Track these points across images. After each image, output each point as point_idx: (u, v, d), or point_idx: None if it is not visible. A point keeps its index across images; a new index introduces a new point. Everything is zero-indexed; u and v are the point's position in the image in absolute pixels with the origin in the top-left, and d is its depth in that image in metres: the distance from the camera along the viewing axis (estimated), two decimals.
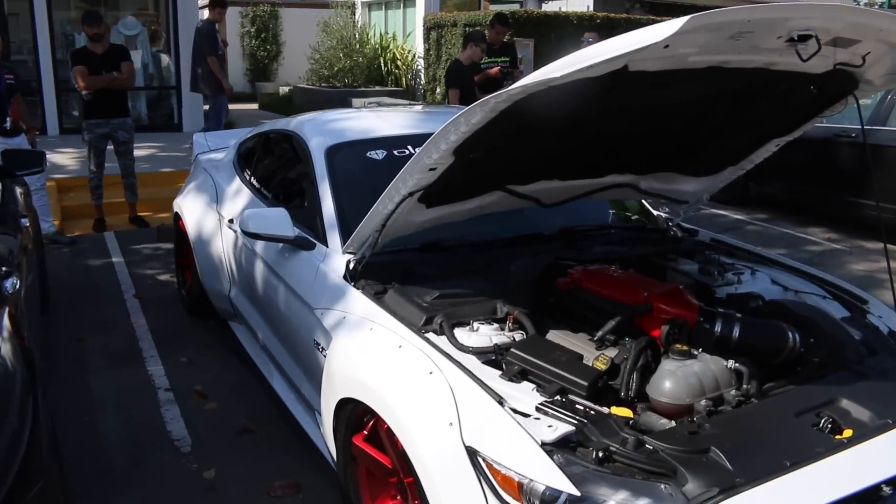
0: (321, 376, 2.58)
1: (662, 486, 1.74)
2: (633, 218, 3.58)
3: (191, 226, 4.47)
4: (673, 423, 1.99)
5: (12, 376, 2.07)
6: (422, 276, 2.68)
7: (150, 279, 5.48)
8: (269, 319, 3.46)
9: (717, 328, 2.30)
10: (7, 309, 2.29)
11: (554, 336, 2.49)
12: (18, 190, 3.95)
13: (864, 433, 1.93)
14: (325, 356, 2.59)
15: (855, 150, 6.57)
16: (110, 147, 6.51)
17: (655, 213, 3.49)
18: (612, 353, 2.30)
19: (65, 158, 8.46)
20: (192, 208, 4.55)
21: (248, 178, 4.15)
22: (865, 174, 6.34)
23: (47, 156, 8.74)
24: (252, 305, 3.72)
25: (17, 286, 2.38)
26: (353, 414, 2.41)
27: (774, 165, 6.88)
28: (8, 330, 2.27)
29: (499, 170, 2.59)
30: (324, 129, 3.59)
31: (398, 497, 2.32)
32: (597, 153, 2.68)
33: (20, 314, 2.41)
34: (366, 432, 2.40)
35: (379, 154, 3.30)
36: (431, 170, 2.30)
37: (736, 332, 2.28)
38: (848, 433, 1.93)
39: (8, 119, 5.78)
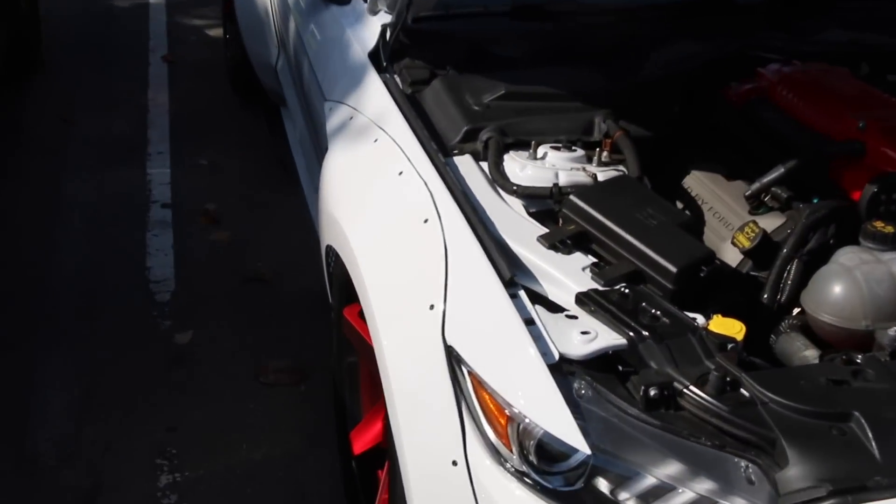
0: None
1: (743, 464, 1.56)
2: None
3: None
4: (816, 359, 1.80)
5: None
6: (496, 60, 2.54)
7: (195, 34, 5.71)
8: (301, 108, 3.48)
9: None
10: None
11: (693, 181, 2.33)
12: None
13: None
14: None
15: None
16: None
17: None
18: (772, 222, 2.08)
19: None
20: None
21: None
22: None
23: None
24: (291, 86, 3.75)
25: None
26: (341, 273, 2.36)
27: None
28: None
29: None
30: None
31: None
32: None
33: None
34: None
35: None
36: None
37: None
38: None
39: None
